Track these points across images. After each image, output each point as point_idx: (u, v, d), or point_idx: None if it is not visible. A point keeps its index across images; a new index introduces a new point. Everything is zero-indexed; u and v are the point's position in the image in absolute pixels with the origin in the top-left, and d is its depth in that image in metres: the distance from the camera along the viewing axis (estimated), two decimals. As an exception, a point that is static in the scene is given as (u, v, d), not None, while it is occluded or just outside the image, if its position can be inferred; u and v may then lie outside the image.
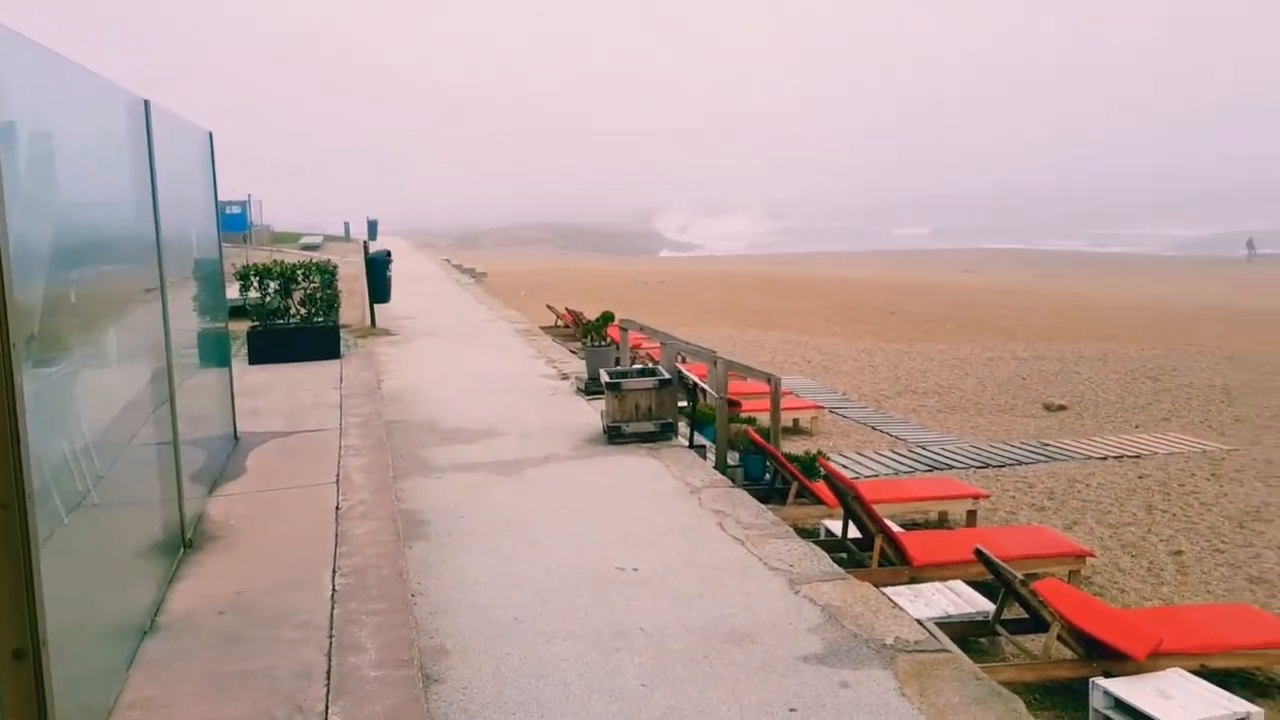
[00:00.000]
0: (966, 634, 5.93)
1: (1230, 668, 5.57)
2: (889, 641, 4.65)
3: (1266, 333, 23.24)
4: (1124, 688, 5.01)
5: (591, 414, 9.54)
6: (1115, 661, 5.29)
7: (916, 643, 4.66)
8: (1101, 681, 5.09)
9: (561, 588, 5.27)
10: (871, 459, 10.76)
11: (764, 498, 7.73)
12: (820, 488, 7.88)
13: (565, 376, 11.74)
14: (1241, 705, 4.85)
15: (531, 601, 5.08)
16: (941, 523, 8.51)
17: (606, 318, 11.73)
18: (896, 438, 11.94)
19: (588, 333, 11.98)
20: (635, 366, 9.96)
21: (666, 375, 8.80)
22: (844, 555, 7.08)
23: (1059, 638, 5.41)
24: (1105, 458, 10.74)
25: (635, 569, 5.51)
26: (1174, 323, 25.58)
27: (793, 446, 9.59)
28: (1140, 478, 9.92)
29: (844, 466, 10.10)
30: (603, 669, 4.32)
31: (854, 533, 7.20)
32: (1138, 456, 10.80)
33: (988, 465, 10.45)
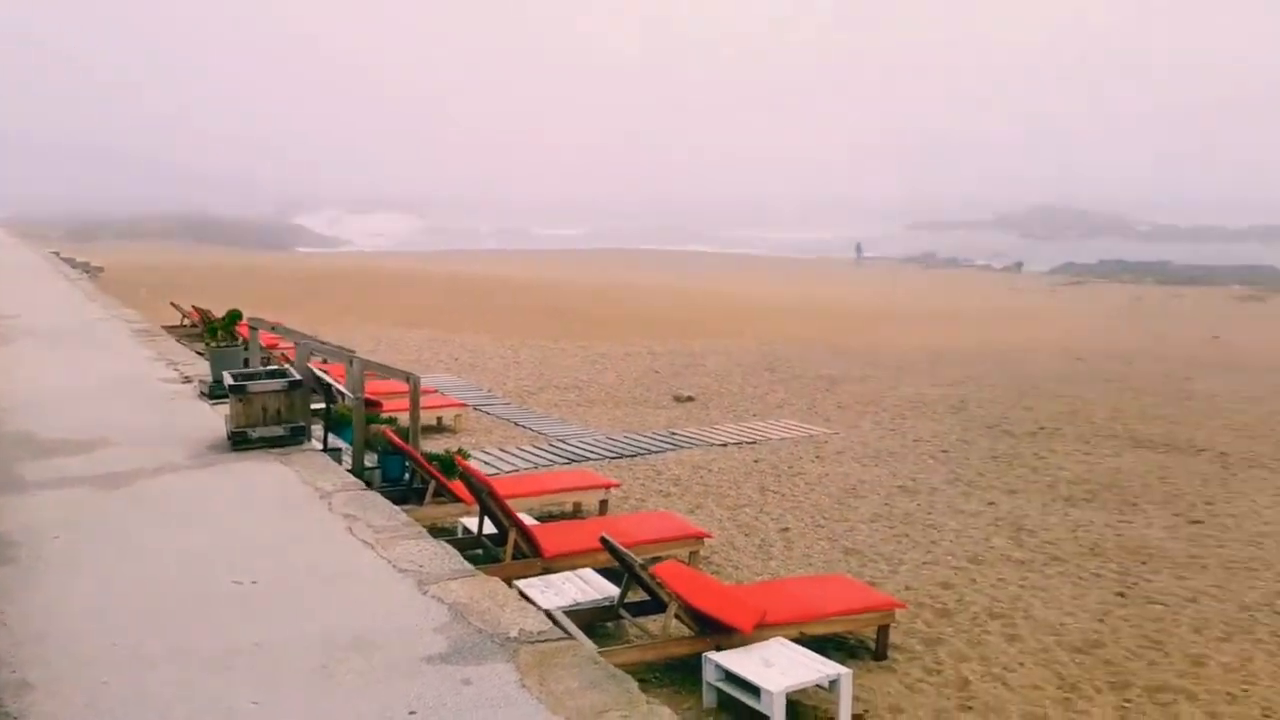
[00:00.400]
0: (594, 620, 6.17)
1: (827, 634, 6.16)
2: (513, 634, 4.71)
3: (868, 326, 25.98)
4: (732, 659, 5.41)
5: (216, 419, 8.97)
6: (726, 635, 5.69)
7: (540, 633, 4.76)
8: (713, 655, 5.47)
9: (170, 608, 4.91)
10: (513, 454, 10.92)
11: (402, 499, 7.61)
12: (458, 486, 7.88)
13: (188, 380, 10.96)
14: (833, 668, 5.38)
15: (134, 625, 4.70)
16: (576, 513, 8.79)
17: (234, 316, 11.05)
18: (538, 432, 12.19)
19: (213, 332, 11.24)
20: (266, 368, 9.47)
21: (297, 376, 8.44)
22: (479, 552, 7.12)
23: (676, 616, 5.74)
24: (726, 444, 11.55)
25: (254, 582, 5.24)
26: (790, 318, 27.94)
27: (435, 445, 9.54)
28: (756, 462, 10.76)
29: (485, 463, 10.18)
30: (211, 691, 4.07)
31: (491, 529, 7.27)
32: (754, 442, 11.70)
33: (621, 456, 10.92)
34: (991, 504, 9.38)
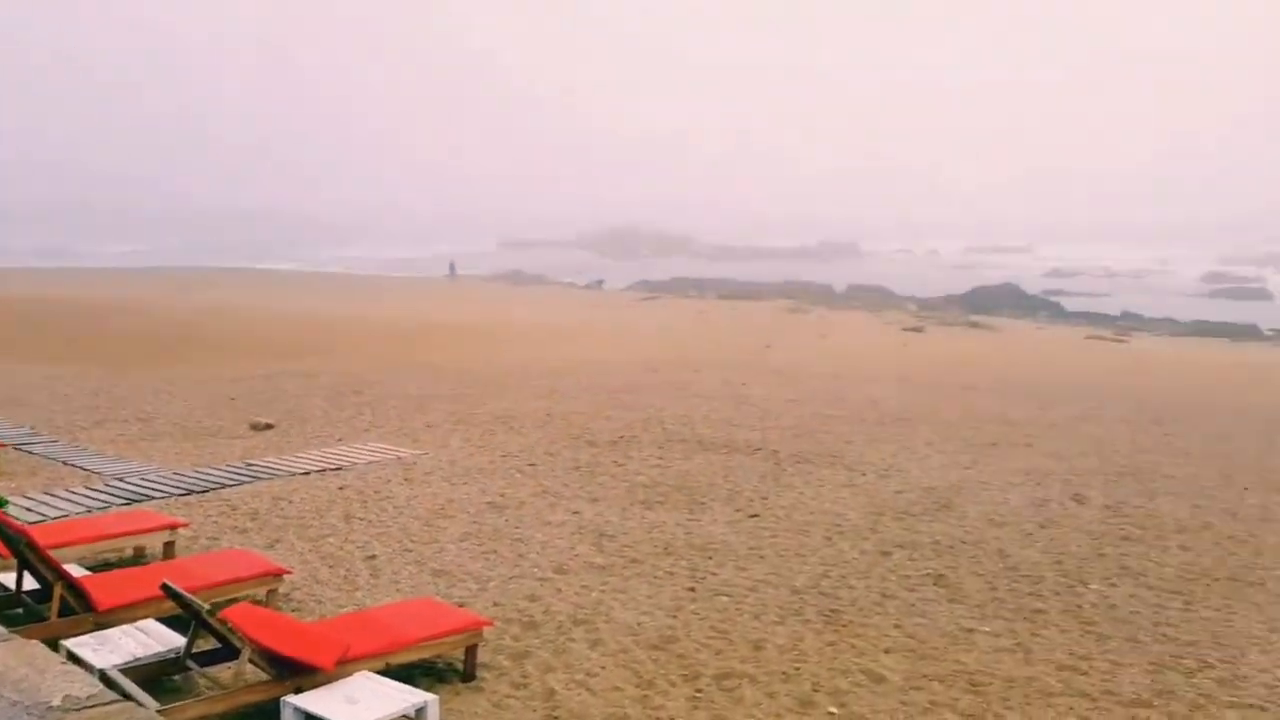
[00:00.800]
0: (159, 674, 5.62)
1: (414, 661, 6.02)
2: (56, 703, 4.16)
3: (458, 343, 26.10)
4: (312, 700, 5.13)
5: None
6: (308, 676, 5.39)
7: (90, 698, 4.23)
8: (291, 699, 5.16)
9: None
10: (62, 498, 9.75)
11: (-87, 561, 6.52)
12: (-12, 539, 6.88)
13: None
14: (420, 696, 5.26)
15: None
16: (137, 559, 7.99)
17: None
18: (92, 471, 10.99)
19: None
20: None
21: None
22: (20, 611, 6.28)
23: (251, 661, 5.36)
24: (309, 473, 11.06)
25: None
26: (379, 338, 27.44)
27: (-44, 495, 8.27)
28: (341, 489, 10.39)
29: (27, 509, 9.02)
30: None
31: (33, 584, 6.42)
32: (340, 469, 11.31)
33: (191, 492, 10.11)
34: (576, 513, 9.71)
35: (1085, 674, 6.24)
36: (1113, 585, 8.00)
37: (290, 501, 9.86)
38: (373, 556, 8.29)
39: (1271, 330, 56.04)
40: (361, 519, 9.36)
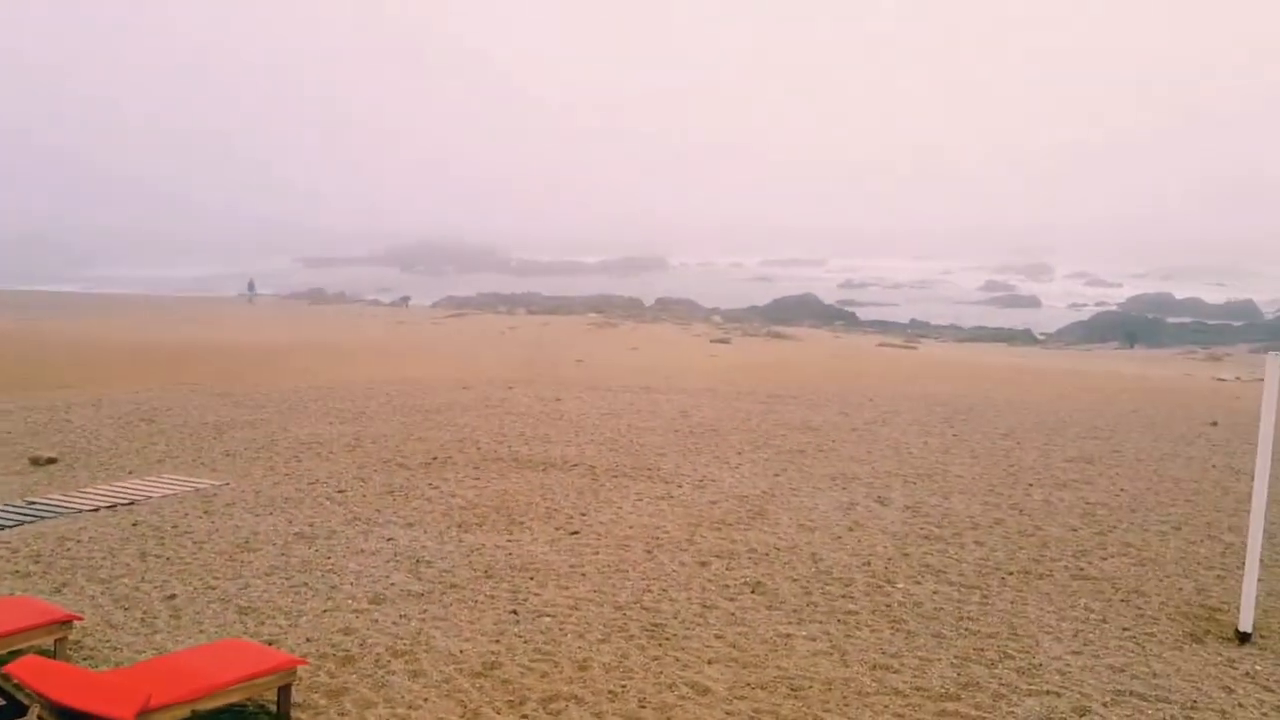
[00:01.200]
0: (-70, 744, 5.12)
1: (223, 706, 5.68)
2: None
3: (258, 366, 25.01)
4: (110, 758, 4.77)
5: None
6: (104, 730, 5.01)
7: None
8: (86, 758, 4.79)
9: None
10: None
11: None
12: None
13: None
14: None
15: None
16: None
17: None
18: None
19: None
20: None
21: None
22: None
23: (41, 719, 4.95)
24: (98, 509, 10.34)
25: None
26: (171, 362, 26.00)
27: None
28: (134, 525, 9.75)
29: None
30: None
31: None
32: (133, 503, 10.62)
33: (-38, 537, 9.26)
34: (390, 540, 9.44)
35: (897, 671, 6.51)
36: (917, 583, 8.38)
37: (78, 541, 9.17)
38: (172, 596, 7.80)
39: (1043, 334, 60.65)
40: (158, 556, 8.81)
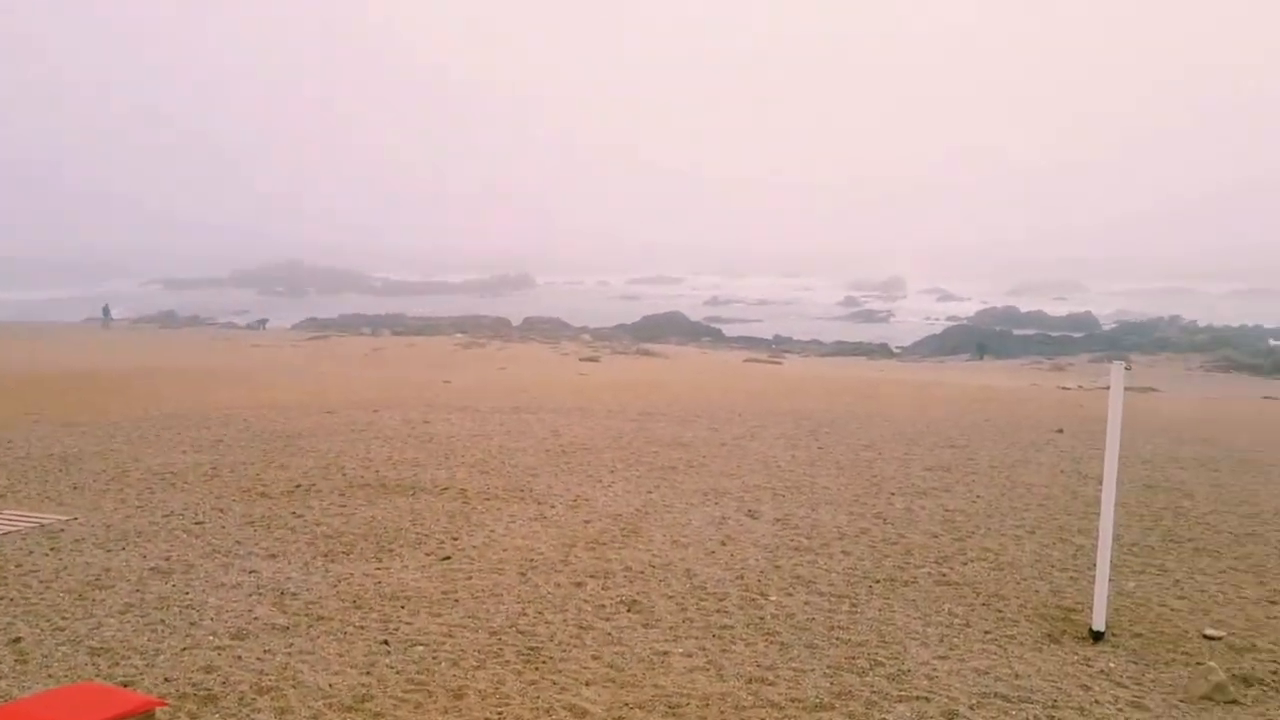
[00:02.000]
0: None
1: (72, 753, 5.37)
2: None
3: (109, 394, 23.85)
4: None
5: None
6: (-59, 789, 4.68)
7: None
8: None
9: None
10: None
11: None
12: None
13: None
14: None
15: None
16: None
17: None
18: None
19: None
20: None
21: None
22: None
23: None
24: (-69, 551, 9.67)
25: None
26: (13, 391, 24.59)
27: None
28: (-28, 566, 9.15)
29: None
30: None
31: None
32: (-31, 543, 9.97)
33: None
34: (253, 572, 9.10)
35: (773, 684, 6.59)
36: (789, 595, 8.52)
37: (-93, 586, 8.56)
38: (17, 640, 7.34)
39: (899, 348, 62.88)
40: (0, 597, 8.29)
